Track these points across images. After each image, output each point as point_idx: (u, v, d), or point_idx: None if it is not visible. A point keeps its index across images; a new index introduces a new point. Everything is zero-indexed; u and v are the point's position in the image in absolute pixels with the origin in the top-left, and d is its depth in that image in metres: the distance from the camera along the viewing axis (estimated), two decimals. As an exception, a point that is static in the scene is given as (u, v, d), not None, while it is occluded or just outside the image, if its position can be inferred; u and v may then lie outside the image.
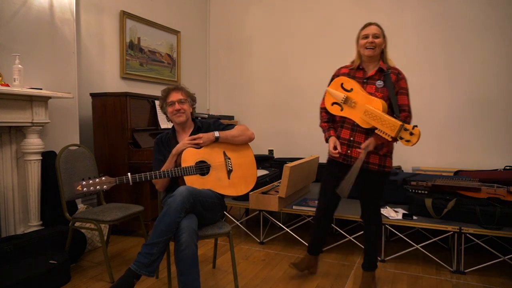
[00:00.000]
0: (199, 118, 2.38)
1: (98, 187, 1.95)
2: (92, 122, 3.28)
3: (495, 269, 2.56)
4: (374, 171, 2.12)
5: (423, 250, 2.66)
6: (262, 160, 4.01)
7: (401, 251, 2.72)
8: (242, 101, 5.03)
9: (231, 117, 4.89)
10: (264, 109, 4.88)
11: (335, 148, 2.13)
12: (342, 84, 2.10)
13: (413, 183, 2.94)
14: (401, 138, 1.89)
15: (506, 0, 3.71)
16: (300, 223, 3.11)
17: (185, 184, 2.03)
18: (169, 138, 2.26)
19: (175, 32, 4.54)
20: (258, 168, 3.58)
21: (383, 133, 1.91)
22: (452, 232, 2.53)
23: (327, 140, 2.19)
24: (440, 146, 3.99)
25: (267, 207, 2.91)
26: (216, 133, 2.17)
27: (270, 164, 4.03)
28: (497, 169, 3.48)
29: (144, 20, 4.04)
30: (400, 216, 2.70)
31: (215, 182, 2.12)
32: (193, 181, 2.06)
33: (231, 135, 2.21)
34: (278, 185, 3.18)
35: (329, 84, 2.21)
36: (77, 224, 2.50)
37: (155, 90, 4.19)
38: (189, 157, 2.09)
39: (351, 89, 2.06)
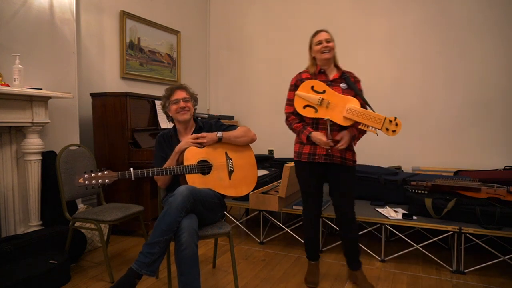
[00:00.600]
0: (199, 118, 2.38)
1: (100, 180, 1.93)
2: (92, 122, 3.28)
3: (495, 269, 2.56)
4: (349, 167, 2.24)
5: (423, 250, 2.66)
6: (262, 160, 4.01)
7: (401, 251, 2.72)
8: (242, 101, 5.03)
9: (231, 117, 4.89)
10: (264, 109, 4.88)
11: (327, 138, 2.18)
12: (312, 87, 2.18)
13: (413, 183, 2.93)
14: (387, 130, 2.06)
15: (505, 1, 3.71)
16: (300, 223, 3.11)
17: (186, 182, 2.04)
18: (171, 136, 2.26)
19: (175, 32, 4.54)
20: (258, 168, 3.59)
21: (367, 127, 2.08)
22: (452, 232, 2.53)
23: (307, 139, 2.21)
24: (440, 146, 3.99)
25: (267, 207, 2.91)
26: (220, 134, 2.18)
27: (270, 164, 4.03)
28: (497, 169, 3.48)
29: (144, 20, 4.04)
30: (400, 216, 2.70)
31: (216, 182, 2.12)
32: (194, 180, 2.06)
33: (233, 136, 2.22)
34: (278, 185, 3.18)
35: (291, 90, 2.29)
36: (77, 224, 2.50)
37: (155, 90, 4.19)
38: (192, 156, 2.10)
39: (324, 91, 2.16)
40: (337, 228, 2.98)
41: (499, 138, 3.76)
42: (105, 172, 1.96)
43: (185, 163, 2.07)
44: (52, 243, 2.43)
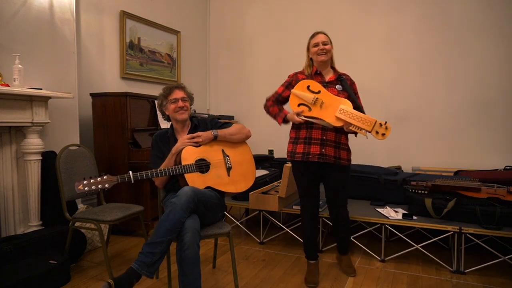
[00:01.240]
0: (195, 117, 2.39)
1: (99, 186, 1.94)
2: (92, 122, 3.28)
3: (495, 269, 2.56)
4: (343, 166, 2.29)
5: (423, 250, 2.66)
6: (262, 160, 4.00)
7: (401, 251, 2.72)
8: (242, 101, 5.03)
9: (231, 117, 4.89)
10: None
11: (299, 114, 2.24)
12: (308, 86, 2.23)
13: (413, 183, 2.93)
14: (377, 133, 2.10)
15: (505, 1, 3.71)
16: (300, 223, 3.11)
17: (185, 182, 2.04)
18: (168, 136, 2.27)
19: (175, 32, 4.54)
20: (258, 168, 3.59)
21: (358, 128, 2.11)
22: (452, 232, 2.53)
23: (284, 120, 2.31)
24: (440, 146, 3.99)
25: (267, 207, 2.91)
26: (215, 132, 2.20)
27: (270, 164, 4.03)
28: (497, 169, 3.48)
29: (144, 20, 4.04)
30: (400, 216, 2.70)
31: (215, 180, 2.13)
32: (194, 179, 2.07)
33: (228, 133, 2.24)
34: (278, 185, 3.18)
35: (282, 85, 2.39)
36: (77, 224, 2.50)
37: (155, 90, 4.19)
38: (189, 156, 2.11)
39: (319, 91, 2.21)
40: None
41: (499, 138, 3.76)
42: (104, 177, 1.96)
43: (183, 163, 2.07)
44: (52, 243, 2.43)
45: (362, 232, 2.91)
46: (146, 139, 3.30)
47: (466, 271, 2.51)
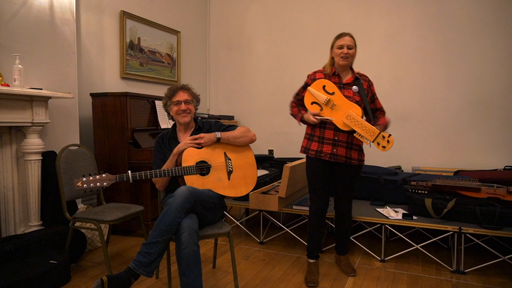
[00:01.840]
0: (199, 118, 2.38)
1: (98, 183, 1.95)
2: (92, 122, 3.28)
3: (495, 269, 2.56)
4: (354, 166, 2.34)
5: (423, 250, 2.66)
6: (262, 160, 4.01)
7: (401, 251, 2.72)
8: (242, 101, 5.03)
9: (231, 117, 4.89)
10: (264, 109, 4.88)
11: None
12: (324, 86, 2.27)
13: (413, 183, 2.94)
14: (378, 144, 2.16)
15: (505, 1, 3.71)
16: (300, 223, 3.11)
17: (185, 183, 2.04)
18: (170, 137, 2.26)
19: (175, 32, 4.54)
20: (258, 168, 3.59)
21: (362, 137, 2.18)
22: (452, 232, 2.53)
23: (302, 120, 2.37)
24: (440, 146, 4.00)
25: (267, 207, 2.91)
26: (218, 134, 2.17)
27: (270, 164, 4.03)
28: (497, 169, 3.48)
29: (144, 20, 4.04)
30: (400, 216, 2.70)
31: (215, 183, 2.12)
32: (193, 181, 2.06)
33: (232, 136, 2.21)
34: (278, 185, 3.18)
35: (305, 86, 2.40)
36: (77, 224, 2.50)
37: (155, 90, 4.19)
38: (190, 157, 2.10)
39: (333, 93, 2.25)
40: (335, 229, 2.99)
41: (499, 138, 3.77)
42: (103, 175, 1.97)
43: (184, 164, 2.07)
44: (52, 243, 2.43)
45: (362, 232, 2.91)
46: (146, 139, 3.31)
47: (466, 271, 2.51)
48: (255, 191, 3.01)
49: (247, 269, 2.58)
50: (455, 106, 3.93)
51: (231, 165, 2.19)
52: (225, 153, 2.20)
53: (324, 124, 2.29)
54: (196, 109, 2.29)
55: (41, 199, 2.66)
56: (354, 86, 2.30)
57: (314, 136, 2.36)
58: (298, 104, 2.46)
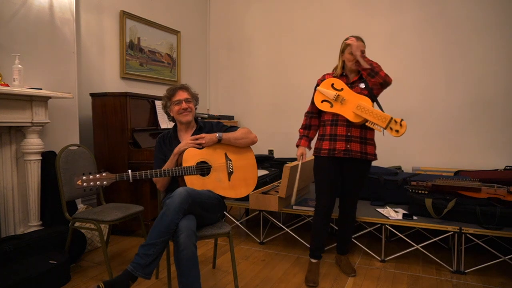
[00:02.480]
0: (199, 118, 2.37)
1: (98, 182, 1.94)
2: (92, 122, 3.28)
3: (495, 269, 2.56)
4: (367, 162, 2.36)
5: (423, 250, 2.66)
6: (262, 160, 4.01)
7: (401, 251, 2.72)
8: (242, 101, 5.03)
9: (231, 117, 4.89)
10: (264, 109, 4.88)
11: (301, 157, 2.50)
12: (332, 84, 2.35)
13: (413, 183, 2.93)
14: (391, 129, 2.18)
15: (505, 0, 3.71)
16: (300, 223, 3.11)
17: (185, 184, 2.03)
18: (171, 138, 2.25)
19: (175, 32, 4.54)
20: (258, 168, 3.58)
21: (374, 124, 2.21)
22: (452, 232, 2.53)
23: (297, 146, 2.51)
24: (440, 146, 3.99)
25: (267, 207, 2.91)
26: (219, 135, 2.16)
27: (270, 164, 4.03)
28: (497, 169, 3.48)
29: (144, 20, 4.04)
30: (400, 216, 2.70)
31: (215, 183, 2.11)
32: (193, 181, 2.05)
33: (233, 137, 2.20)
34: (278, 185, 3.18)
35: (314, 92, 2.42)
36: (77, 224, 2.49)
37: (155, 90, 4.19)
38: (190, 157, 2.09)
39: (342, 89, 2.32)
40: (337, 229, 2.99)
41: (499, 138, 3.76)
42: (103, 174, 1.96)
43: (184, 164, 2.06)
44: (52, 243, 2.43)
45: (362, 232, 2.91)
46: (146, 139, 3.30)
47: (466, 271, 2.51)
48: (255, 191, 3.01)
49: (247, 269, 2.58)
50: (455, 106, 3.93)
51: (231, 166, 2.18)
52: (226, 154, 2.19)
53: (336, 121, 2.32)
54: (195, 109, 2.28)
55: (40, 199, 2.65)
56: (361, 84, 2.33)
57: (324, 135, 2.37)
58: (309, 119, 2.50)
